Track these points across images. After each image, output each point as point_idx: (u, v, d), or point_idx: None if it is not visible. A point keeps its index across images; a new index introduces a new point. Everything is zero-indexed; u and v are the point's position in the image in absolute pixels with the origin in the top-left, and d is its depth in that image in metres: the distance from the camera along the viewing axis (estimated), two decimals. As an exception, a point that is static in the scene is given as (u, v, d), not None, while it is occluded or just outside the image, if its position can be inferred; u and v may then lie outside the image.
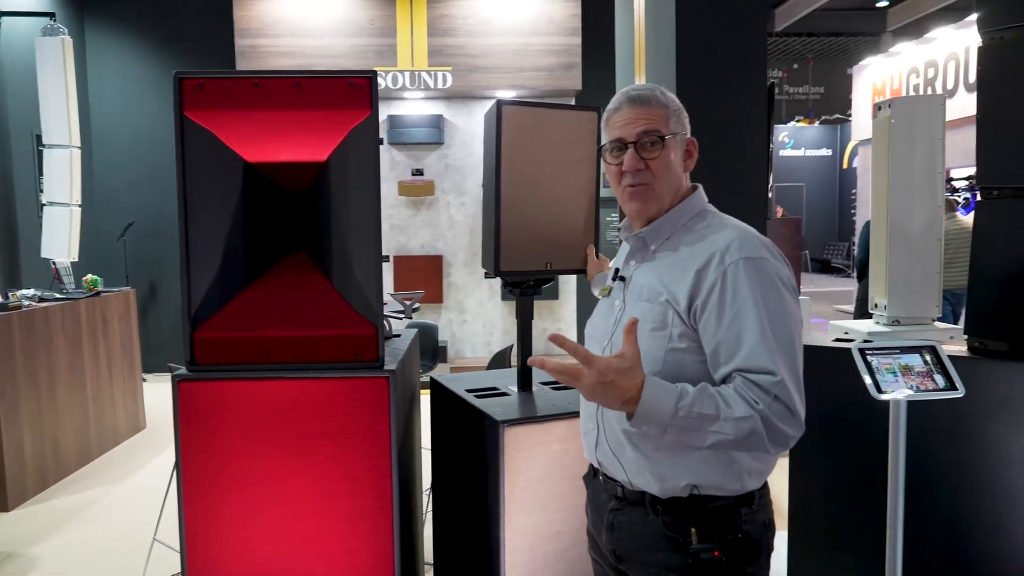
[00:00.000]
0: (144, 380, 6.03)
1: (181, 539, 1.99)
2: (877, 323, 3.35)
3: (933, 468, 2.42)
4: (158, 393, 6.26)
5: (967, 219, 6.70)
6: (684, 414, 1.23)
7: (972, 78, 8.95)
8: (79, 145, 6.10)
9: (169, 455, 4.99)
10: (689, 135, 1.50)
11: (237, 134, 1.92)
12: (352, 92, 1.92)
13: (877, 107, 3.22)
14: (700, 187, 1.52)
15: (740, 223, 1.44)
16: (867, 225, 7.22)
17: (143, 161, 7.53)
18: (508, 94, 7.44)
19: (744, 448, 1.29)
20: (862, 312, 6.86)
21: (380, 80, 7.16)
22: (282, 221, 1.95)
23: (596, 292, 2.23)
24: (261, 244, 1.95)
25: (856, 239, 7.69)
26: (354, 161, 1.94)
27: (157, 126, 7.49)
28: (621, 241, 1.61)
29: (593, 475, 1.58)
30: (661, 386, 1.25)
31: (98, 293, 5.25)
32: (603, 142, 1.51)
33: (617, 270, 1.55)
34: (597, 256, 2.30)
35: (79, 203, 6.11)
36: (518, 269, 2.22)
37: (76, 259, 6.03)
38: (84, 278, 5.35)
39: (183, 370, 1.98)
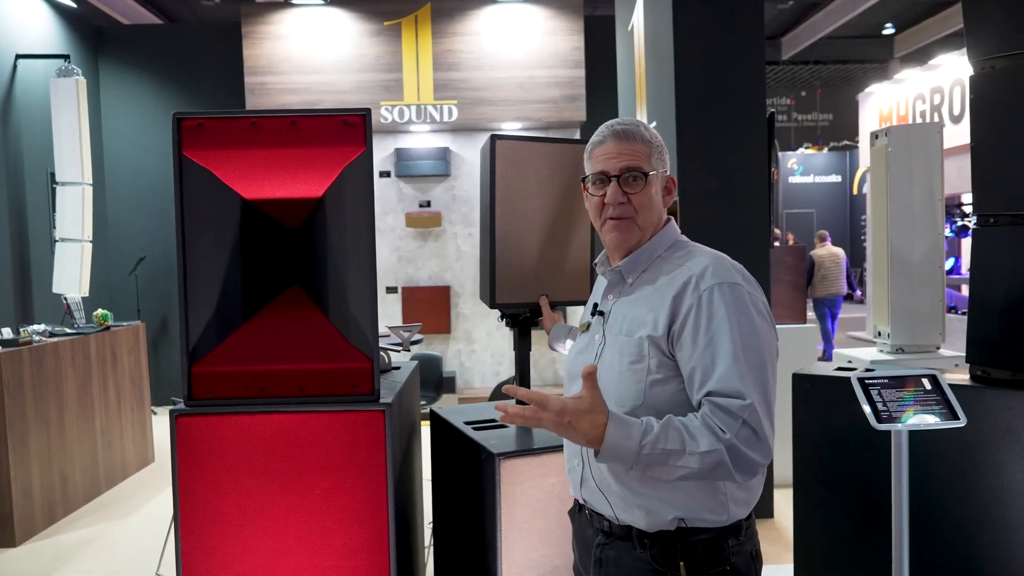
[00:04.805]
0: (154, 413, 6.05)
1: (177, 573, 1.99)
2: (880, 351, 3.32)
3: (938, 498, 2.38)
4: (168, 427, 6.26)
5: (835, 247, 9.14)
6: (648, 451, 1.25)
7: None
8: (91, 182, 6.22)
9: (176, 489, 4.98)
10: (668, 172, 1.52)
11: (235, 172, 1.95)
12: (346, 130, 1.96)
13: (874, 135, 3.22)
14: (672, 219, 1.54)
15: (713, 251, 1.46)
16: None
17: (155, 196, 7.63)
18: (513, 126, 7.52)
19: (711, 479, 1.31)
20: None
21: (387, 114, 7.27)
22: (279, 257, 1.98)
23: (558, 347, 2.22)
24: (258, 279, 1.97)
25: (867, 265, 8.23)
26: (349, 197, 1.97)
27: (169, 162, 7.58)
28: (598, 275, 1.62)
29: (578, 510, 1.58)
30: (625, 424, 1.26)
31: (108, 327, 5.30)
32: (586, 173, 1.53)
33: (596, 304, 1.57)
34: (553, 308, 2.29)
35: (90, 239, 6.20)
36: (514, 301, 2.24)
37: (87, 294, 6.11)
38: (94, 313, 5.40)
39: (182, 404, 2.00)
